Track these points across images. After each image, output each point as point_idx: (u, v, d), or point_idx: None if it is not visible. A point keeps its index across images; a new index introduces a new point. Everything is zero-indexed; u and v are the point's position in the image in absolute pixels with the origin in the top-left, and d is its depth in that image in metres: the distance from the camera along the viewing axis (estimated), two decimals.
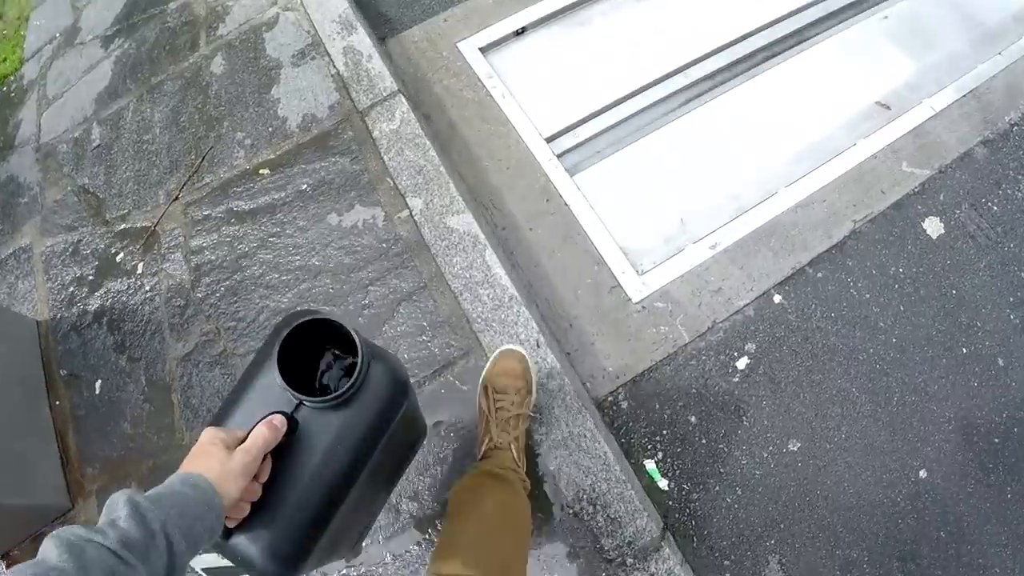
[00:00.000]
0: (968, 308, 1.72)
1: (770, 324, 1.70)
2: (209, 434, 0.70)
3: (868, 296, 1.72)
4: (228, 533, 0.71)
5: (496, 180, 1.93)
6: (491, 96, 2.02)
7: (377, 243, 1.72)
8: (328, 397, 0.75)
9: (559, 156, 1.97)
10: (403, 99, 1.91)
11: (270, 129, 1.98)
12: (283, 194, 1.84)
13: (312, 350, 0.81)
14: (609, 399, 1.67)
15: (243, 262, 1.77)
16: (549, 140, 1.97)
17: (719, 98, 1.98)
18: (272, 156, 1.92)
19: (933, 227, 1.80)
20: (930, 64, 2.04)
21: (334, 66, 2.02)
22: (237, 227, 1.83)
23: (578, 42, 2.12)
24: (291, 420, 0.74)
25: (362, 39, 2.04)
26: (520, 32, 2.14)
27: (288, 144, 1.93)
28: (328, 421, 0.76)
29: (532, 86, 2.05)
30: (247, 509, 0.71)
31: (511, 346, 1.42)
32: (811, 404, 1.67)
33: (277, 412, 0.74)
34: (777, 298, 1.71)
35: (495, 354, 1.40)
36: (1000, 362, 1.69)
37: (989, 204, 1.84)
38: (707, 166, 1.88)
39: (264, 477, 0.72)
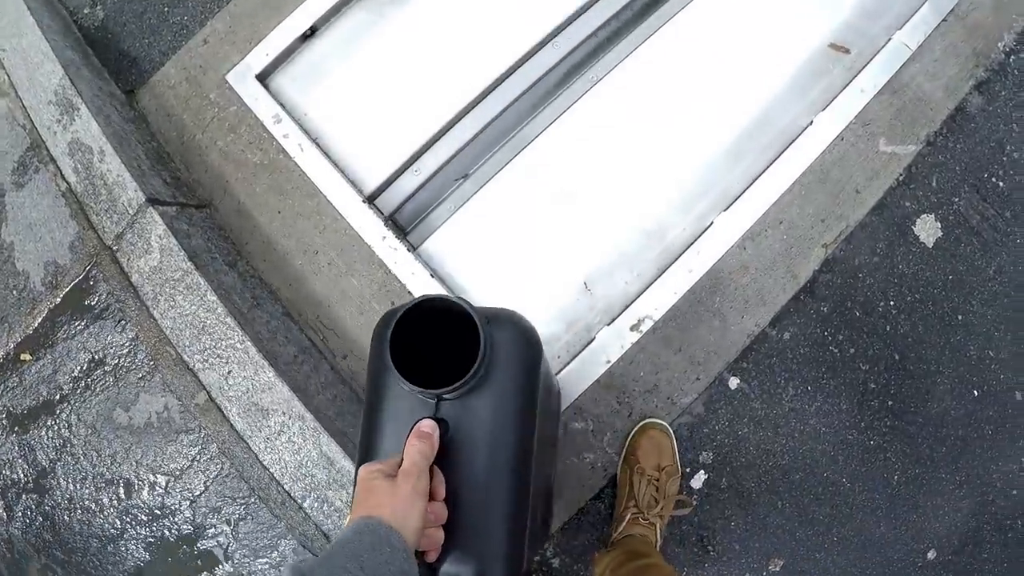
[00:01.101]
0: (976, 337, 1.29)
1: (728, 420, 1.23)
2: (364, 471, 0.61)
3: (853, 351, 1.26)
4: (431, 570, 0.64)
5: (318, 286, 1.32)
6: (285, 152, 1.33)
7: (183, 443, 1.24)
8: (464, 379, 0.65)
9: (395, 220, 1.35)
10: (155, 215, 1.22)
11: (15, 294, 1.30)
12: (55, 386, 1.30)
13: (418, 341, 0.68)
14: (536, 560, 1.22)
15: (45, 481, 1.29)
16: (374, 198, 1.34)
17: (602, 82, 1.34)
18: (29, 332, 1.29)
19: (928, 229, 1.31)
20: None
21: (63, 178, 1.29)
22: (22, 435, 1.28)
23: (397, 29, 1.39)
24: (439, 421, 0.66)
25: (86, 125, 1.27)
26: (310, 33, 1.39)
27: (41, 312, 1.30)
28: (476, 407, 0.68)
29: (339, 116, 1.37)
30: (441, 535, 0.64)
31: (657, 420, 1.21)
32: (793, 511, 1.26)
33: (421, 419, 0.66)
34: (733, 382, 1.23)
35: (637, 428, 1.20)
36: (1018, 396, 1.30)
37: (993, 179, 1.35)
38: (605, 197, 1.29)
39: (442, 493, 0.65)
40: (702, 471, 1.24)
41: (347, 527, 0.56)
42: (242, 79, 1.36)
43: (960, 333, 1.30)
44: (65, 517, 1.37)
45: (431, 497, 0.62)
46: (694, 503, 1.23)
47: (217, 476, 1.28)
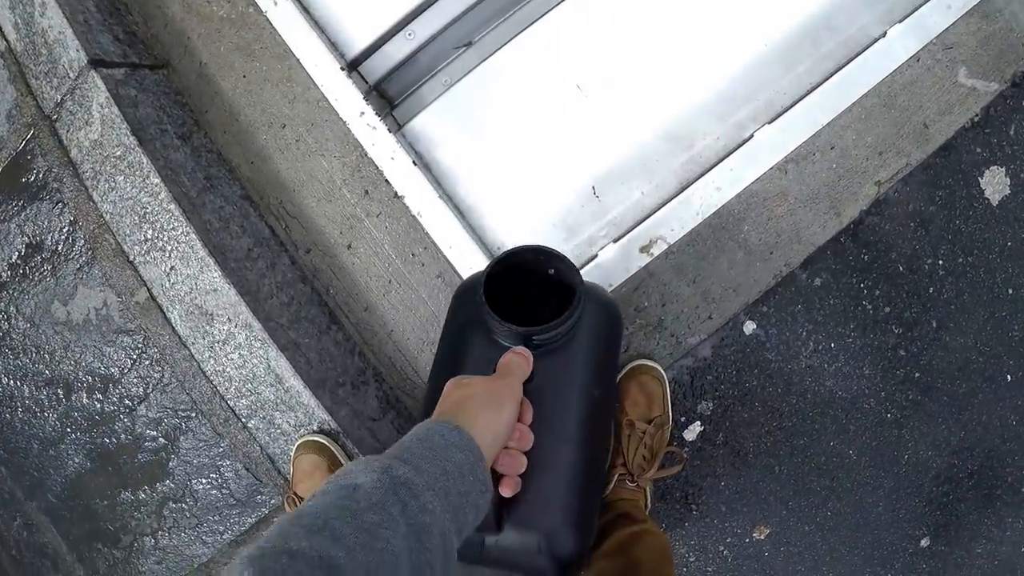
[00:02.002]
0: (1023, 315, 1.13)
1: (737, 369, 1.07)
2: (454, 382, 0.55)
3: (889, 310, 1.09)
4: (498, 511, 0.57)
5: (283, 166, 1.12)
6: (255, 5, 1.11)
7: (123, 345, 1.12)
8: (559, 320, 0.61)
9: (381, 90, 1.13)
10: (97, 80, 1.01)
11: None
12: None
13: (501, 294, 0.63)
14: None
15: None
16: (357, 64, 1.12)
17: None
18: None
19: (996, 184, 1.13)
20: None
21: (2, 35, 1.10)
22: None
23: None
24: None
25: None
26: None
27: None
28: (558, 364, 0.64)
29: None
30: (523, 461, 0.55)
31: (648, 362, 1.05)
32: (789, 478, 1.12)
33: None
34: (749, 327, 1.07)
35: (626, 368, 1.04)
36: None
37: None
38: (626, 89, 1.08)
39: (528, 418, 0.57)
40: (698, 422, 1.09)
41: (432, 424, 0.48)
42: None
43: (1007, 309, 1.14)
44: (7, 415, 1.26)
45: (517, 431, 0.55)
46: (686, 456, 1.09)
47: (158, 384, 1.13)
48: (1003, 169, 1.14)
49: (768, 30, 1.07)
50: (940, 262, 1.11)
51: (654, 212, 1.02)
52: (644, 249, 1.02)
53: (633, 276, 1.03)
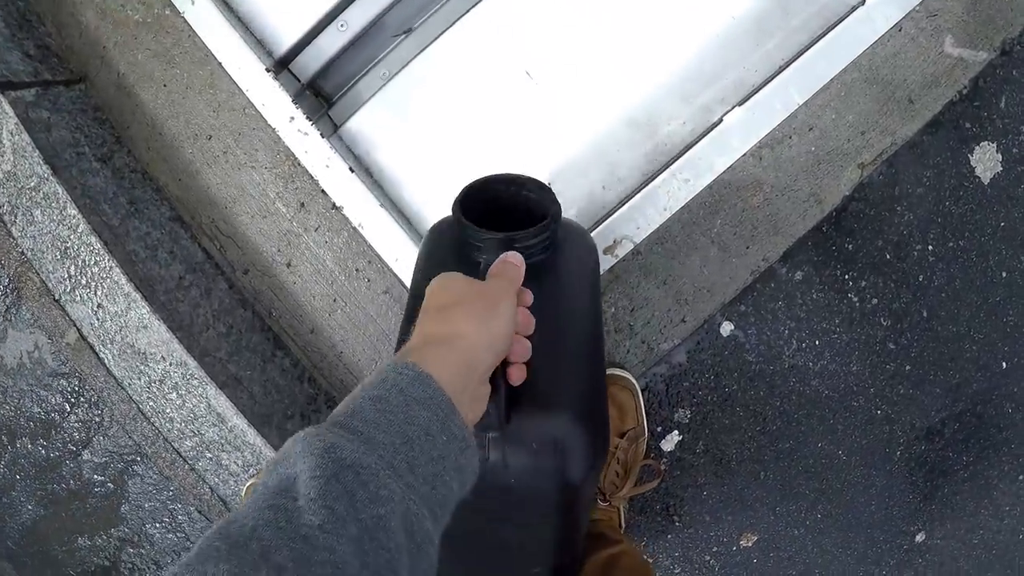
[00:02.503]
0: (1019, 300, 1.07)
1: (715, 374, 1.00)
2: (438, 281, 0.48)
3: (876, 302, 1.02)
4: (503, 414, 0.49)
5: (213, 181, 1.03)
6: (172, 6, 1.00)
7: (60, 389, 1.07)
8: (543, 223, 0.58)
9: (318, 88, 1.04)
10: (4, 105, 0.93)
11: None
12: None
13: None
14: None
15: None
16: (288, 61, 1.02)
17: None
18: None
19: (987, 161, 1.05)
20: None
21: None
22: None
23: None
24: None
25: None
26: None
27: None
28: (545, 273, 0.60)
29: None
30: (528, 345, 0.49)
31: (618, 371, 0.96)
32: (776, 483, 1.06)
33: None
34: (727, 328, 0.99)
35: None
36: None
37: None
38: (581, 72, 0.99)
39: (528, 301, 0.51)
40: (676, 432, 1.02)
41: (388, 377, 0.39)
42: None
43: (1001, 293, 1.07)
44: None
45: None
46: (664, 468, 1.02)
47: (99, 427, 1.08)
48: (994, 145, 1.06)
49: (734, 2, 0.97)
50: (930, 247, 1.03)
51: (617, 208, 0.94)
52: (608, 250, 0.94)
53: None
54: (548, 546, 0.61)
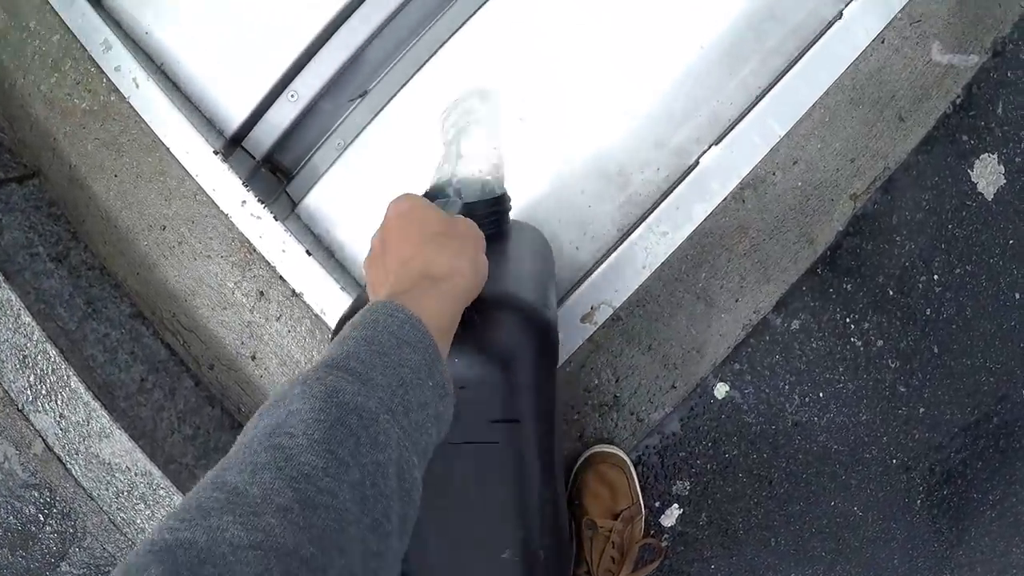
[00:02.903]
0: None
1: (713, 440, 0.90)
2: (411, 202, 0.49)
3: (882, 343, 0.92)
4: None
5: (171, 274, 0.96)
6: (118, 92, 0.93)
7: (32, 500, 0.99)
8: (494, 198, 0.63)
9: (276, 163, 0.95)
10: None
11: None
12: None
13: None
14: None
15: None
16: (241, 138, 0.93)
17: None
18: None
19: (988, 175, 0.96)
20: None
21: None
22: None
23: None
24: None
25: None
26: None
27: None
28: (496, 247, 0.59)
29: (192, 26, 0.95)
30: None
31: (607, 447, 0.88)
32: (788, 547, 0.96)
33: None
34: (721, 389, 0.89)
35: (582, 458, 0.88)
36: None
37: None
38: (544, 123, 0.88)
39: None
40: (676, 505, 0.91)
41: (379, 319, 0.38)
42: None
43: (1016, 316, 0.98)
44: None
45: None
46: (665, 546, 0.92)
47: (73, 538, 0.99)
48: (995, 156, 0.96)
49: (701, 30, 0.87)
50: (935, 277, 0.94)
51: (592, 270, 0.84)
52: (586, 318, 0.84)
53: (577, 351, 0.85)
54: (510, 511, 0.56)
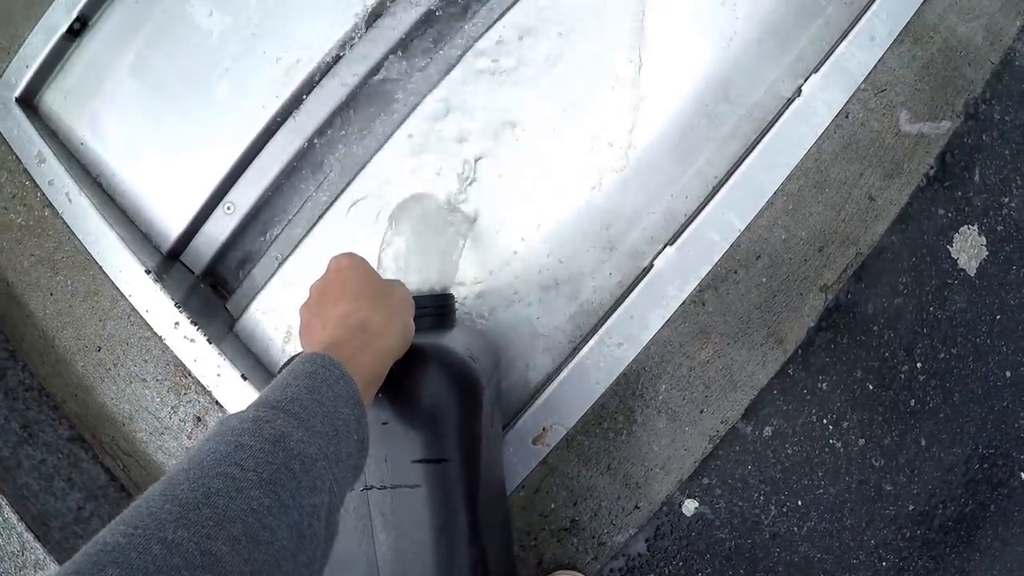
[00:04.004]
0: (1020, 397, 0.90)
1: (683, 560, 0.82)
2: (349, 259, 0.53)
3: (864, 442, 0.85)
4: None
5: (108, 397, 0.89)
6: (52, 206, 0.89)
7: None
8: (440, 294, 0.69)
9: (218, 276, 0.90)
10: None
11: None
12: None
13: None
14: None
15: None
16: (178, 253, 0.89)
17: (475, 48, 0.84)
18: None
19: (969, 248, 0.89)
20: None
21: None
22: None
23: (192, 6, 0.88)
24: None
25: None
26: (79, 27, 0.93)
27: None
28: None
29: (128, 138, 0.92)
30: None
31: (568, 573, 0.81)
32: None
33: None
34: (690, 506, 0.81)
35: None
36: None
37: None
38: (484, 229, 0.81)
39: None
40: None
41: (319, 372, 0.40)
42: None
43: (1008, 396, 0.91)
44: None
45: None
46: None
47: None
48: (975, 227, 0.89)
49: (650, 118, 0.80)
50: (919, 365, 0.86)
51: (544, 388, 0.76)
52: (538, 440, 0.76)
53: (531, 475, 0.77)
54: (433, 565, 0.54)
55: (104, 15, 0.94)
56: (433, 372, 0.53)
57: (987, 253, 0.90)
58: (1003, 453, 0.92)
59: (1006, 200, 0.91)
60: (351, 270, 0.51)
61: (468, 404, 0.54)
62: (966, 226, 0.89)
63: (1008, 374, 0.91)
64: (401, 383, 0.51)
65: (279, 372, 0.51)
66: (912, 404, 0.86)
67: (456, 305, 0.72)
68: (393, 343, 0.47)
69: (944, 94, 0.88)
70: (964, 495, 0.90)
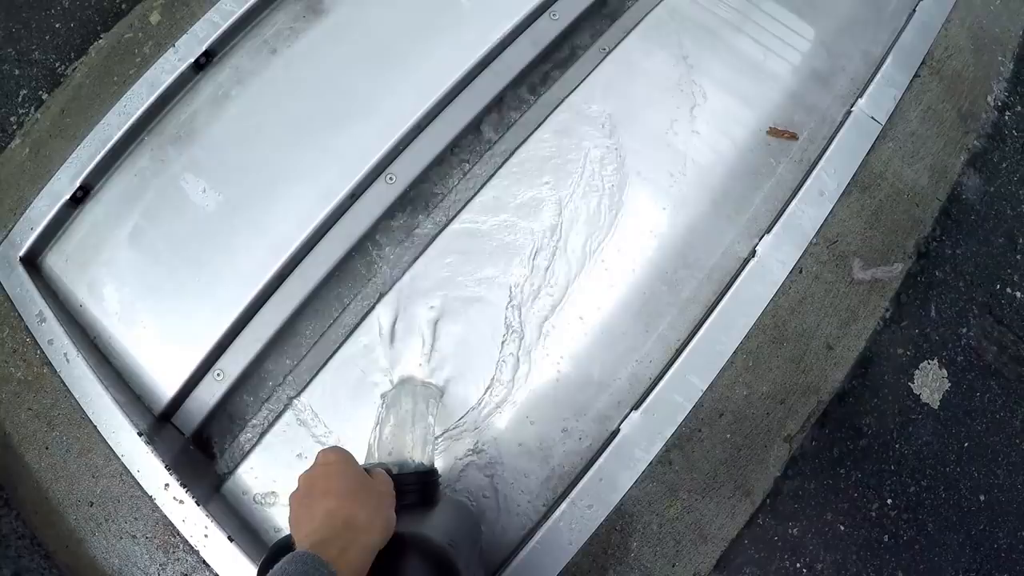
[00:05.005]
0: (1006, 518, 0.93)
1: None
2: (337, 453, 0.59)
3: None
4: None
5: (98, 551, 0.92)
6: (50, 364, 0.95)
7: None
8: (423, 472, 0.72)
9: (206, 438, 0.96)
10: None
11: None
12: None
13: None
14: None
15: None
16: (170, 415, 0.94)
17: (452, 226, 0.90)
18: None
19: (931, 382, 0.92)
20: (834, 29, 1.01)
21: None
22: None
23: (188, 177, 0.97)
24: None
25: None
26: (82, 195, 1.02)
27: None
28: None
29: (125, 302, 0.98)
30: None
31: None
32: None
33: None
34: None
35: None
36: None
37: (1007, 289, 0.97)
38: (458, 401, 0.86)
39: None
40: None
41: (312, 569, 0.46)
42: (4, 263, 0.97)
43: (984, 519, 0.92)
44: None
45: None
46: None
47: None
48: (935, 361, 0.93)
49: (613, 287, 0.85)
50: (889, 501, 0.89)
51: (517, 552, 0.79)
52: None
53: None
54: None
55: (105, 185, 1.02)
56: (413, 564, 0.55)
57: (949, 385, 0.93)
58: (985, 574, 0.93)
59: (964, 331, 0.94)
60: (338, 465, 0.56)
61: None
62: (926, 361, 0.92)
63: (982, 497, 0.93)
64: (384, 571, 0.55)
65: (268, 565, 0.55)
66: (885, 540, 0.88)
67: (439, 480, 0.75)
68: (376, 539, 0.52)
69: (895, 237, 0.92)
70: None
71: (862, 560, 0.88)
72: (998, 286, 0.97)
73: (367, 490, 0.55)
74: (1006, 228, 1.00)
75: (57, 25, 1.20)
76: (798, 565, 0.86)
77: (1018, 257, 0.99)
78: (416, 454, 0.76)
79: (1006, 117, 1.04)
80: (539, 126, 0.93)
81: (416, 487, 0.69)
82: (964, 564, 0.92)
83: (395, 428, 0.78)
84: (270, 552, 0.60)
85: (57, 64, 1.17)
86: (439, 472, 0.76)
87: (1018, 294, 0.98)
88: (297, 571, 0.45)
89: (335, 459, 0.57)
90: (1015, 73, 1.06)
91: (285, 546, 0.56)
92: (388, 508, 0.56)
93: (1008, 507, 0.93)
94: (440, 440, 0.83)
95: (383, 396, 0.83)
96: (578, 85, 0.93)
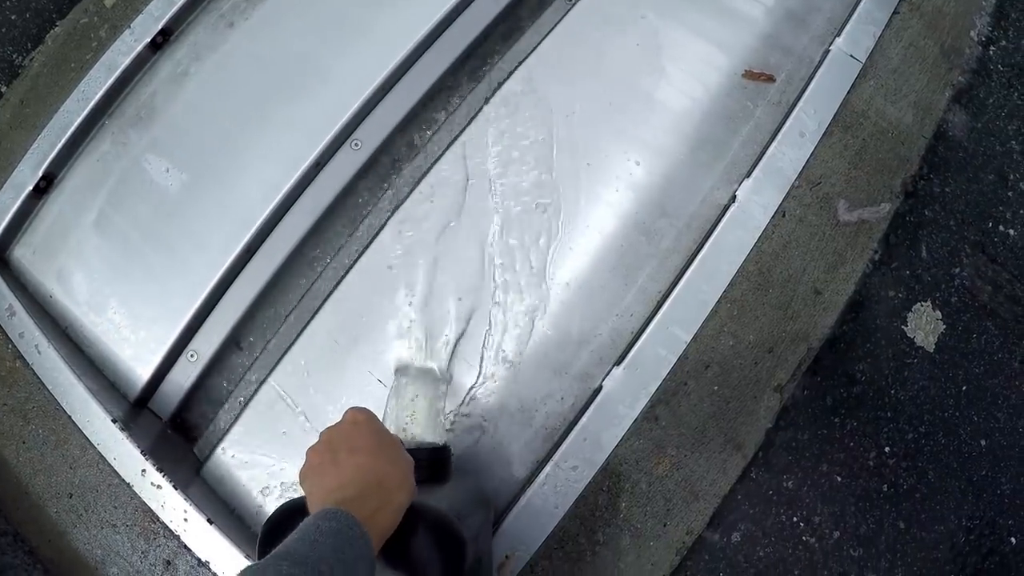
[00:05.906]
0: (1008, 463, 0.90)
1: None
2: (369, 415, 0.57)
3: (839, 534, 0.85)
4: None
5: (80, 542, 0.90)
6: (22, 358, 0.93)
7: None
8: (437, 448, 0.72)
9: (184, 421, 0.93)
10: None
11: None
12: None
13: None
14: None
15: None
16: (146, 400, 0.92)
17: (422, 184, 0.87)
18: None
19: (925, 325, 0.89)
20: None
21: None
22: None
23: (149, 160, 0.95)
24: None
25: None
26: (45, 186, 0.98)
27: None
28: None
29: (95, 289, 0.95)
30: None
31: None
32: None
33: None
34: None
35: None
36: None
37: (1000, 226, 0.94)
38: (440, 364, 0.84)
39: None
40: None
41: (346, 535, 0.44)
42: None
43: (985, 464, 0.90)
44: None
45: None
46: None
47: None
48: (928, 303, 0.90)
49: (589, 239, 0.83)
50: (887, 449, 0.86)
51: (501, 519, 0.77)
52: (501, 567, 0.77)
53: None
54: None
55: (68, 174, 1.00)
56: (420, 533, 0.55)
57: (944, 327, 0.90)
58: (988, 522, 0.90)
59: (956, 271, 0.91)
60: (369, 424, 0.54)
61: (451, 562, 0.57)
62: (919, 303, 0.89)
63: (983, 442, 0.90)
64: (394, 540, 0.54)
65: (275, 528, 0.56)
66: (885, 489, 0.86)
67: (451, 456, 0.74)
68: (404, 500, 0.50)
69: (881, 177, 0.89)
70: (954, 570, 0.89)
71: (861, 511, 0.85)
72: (990, 224, 0.94)
73: (397, 451, 0.54)
74: (995, 164, 0.96)
75: (13, 17, 1.17)
76: (795, 519, 0.83)
77: (1009, 194, 0.96)
78: (428, 433, 0.74)
79: (991, 52, 1.00)
80: (508, 77, 0.90)
81: (428, 462, 0.69)
82: (967, 511, 0.89)
83: (407, 405, 0.76)
84: (277, 514, 0.59)
85: (14, 56, 1.14)
86: (450, 448, 0.74)
87: (1011, 232, 0.94)
88: (330, 529, 0.43)
89: (365, 418, 0.55)
90: (998, 7, 1.03)
91: (299, 507, 0.54)
92: (411, 471, 0.55)
93: (1010, 451, 0.90)
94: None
95: (396, 372, 0.82)
96: (545, 37, 0.90)
